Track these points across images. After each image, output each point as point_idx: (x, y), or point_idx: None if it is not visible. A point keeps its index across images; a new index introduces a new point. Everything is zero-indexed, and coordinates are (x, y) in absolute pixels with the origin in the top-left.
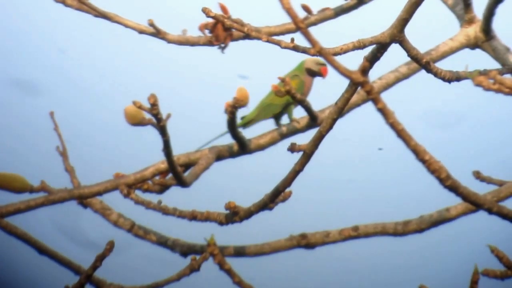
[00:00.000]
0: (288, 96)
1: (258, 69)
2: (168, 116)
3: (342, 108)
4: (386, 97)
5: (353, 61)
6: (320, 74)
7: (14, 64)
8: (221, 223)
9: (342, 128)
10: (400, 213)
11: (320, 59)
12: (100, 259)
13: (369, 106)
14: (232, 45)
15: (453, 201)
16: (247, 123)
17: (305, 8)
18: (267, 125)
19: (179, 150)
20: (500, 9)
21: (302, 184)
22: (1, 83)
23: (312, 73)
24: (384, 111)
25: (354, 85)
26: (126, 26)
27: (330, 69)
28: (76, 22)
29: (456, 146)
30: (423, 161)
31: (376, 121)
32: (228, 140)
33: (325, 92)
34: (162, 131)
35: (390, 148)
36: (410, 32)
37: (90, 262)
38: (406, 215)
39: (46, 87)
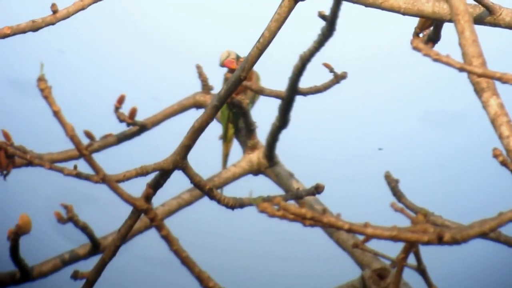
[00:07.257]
0: None
1: (258, 69)
2: None
3: (125, 235)
4: (386, 97)
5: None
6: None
7: (13, 64)
8: None
9: (342, 127)
10: (398, 213)
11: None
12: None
13: (368, 106)
14: (232, 45)
15: (452, 202)
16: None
17: (88, 135)
18: None
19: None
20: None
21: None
22: None
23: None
24: (168, 238)
25: (137, 212)
26: None
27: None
28: (76, 22)
29: (456, 145)
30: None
31: (376, 120)
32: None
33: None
34: None
35: (390, 148)
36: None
37: (90, 262)
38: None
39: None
